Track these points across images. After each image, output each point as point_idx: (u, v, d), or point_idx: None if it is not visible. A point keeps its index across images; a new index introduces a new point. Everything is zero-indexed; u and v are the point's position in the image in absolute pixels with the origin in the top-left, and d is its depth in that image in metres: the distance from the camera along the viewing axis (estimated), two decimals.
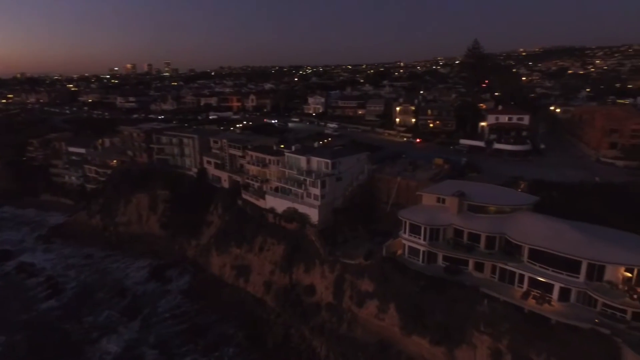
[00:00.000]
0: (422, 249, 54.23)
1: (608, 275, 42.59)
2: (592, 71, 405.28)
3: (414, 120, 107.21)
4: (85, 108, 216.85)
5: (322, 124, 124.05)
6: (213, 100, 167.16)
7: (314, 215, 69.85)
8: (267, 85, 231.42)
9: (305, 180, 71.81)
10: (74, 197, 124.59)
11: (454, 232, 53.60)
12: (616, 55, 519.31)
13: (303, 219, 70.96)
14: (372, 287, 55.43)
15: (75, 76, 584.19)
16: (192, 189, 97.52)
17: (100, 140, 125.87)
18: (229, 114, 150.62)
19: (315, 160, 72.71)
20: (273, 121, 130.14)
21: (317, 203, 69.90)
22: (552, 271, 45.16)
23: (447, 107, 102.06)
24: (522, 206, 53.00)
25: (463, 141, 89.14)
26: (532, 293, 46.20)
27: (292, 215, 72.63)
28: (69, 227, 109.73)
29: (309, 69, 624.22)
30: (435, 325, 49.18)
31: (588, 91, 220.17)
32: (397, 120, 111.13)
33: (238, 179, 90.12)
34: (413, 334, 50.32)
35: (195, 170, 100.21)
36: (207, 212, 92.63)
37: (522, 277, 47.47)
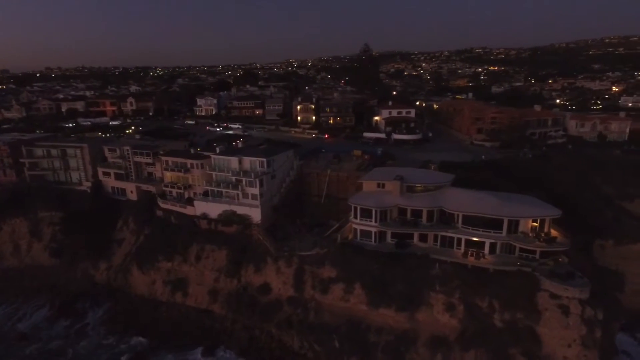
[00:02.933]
0: (373, 230, 60.31)
1: (521, 227, 55.33)
2: (422, 72, 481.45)
3: (314, 117, 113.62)
4: None
5: (224, 125, 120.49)
6: (79, 105, 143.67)
7: (255, 214, 69.71)
8: (133, 88, 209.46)
9: (240, 180, 70.96)
10: None
11: (398, 211, 61.14)
12: (434, 60, 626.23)
13: (243, 220, 70.09)
14: (334, 273, 59.12)
15: None
16: (89, 206, 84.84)
17: None
18: (105, 119, 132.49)
19: (248, 160, 72.31)
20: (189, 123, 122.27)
21: (258, 202, 69.93)
22: (482, 231, 56.11)
23: (345, 105, 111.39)
24: (446, 183, 63.63)
25: (366, 134, 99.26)
26: (469, 251, 56.57)
27: (230, 218, 70.90)
28: None
29: (160, 71, 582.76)
30: (398, 294, 55.77)
31: (429, 89, 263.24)
32: (299, 118, 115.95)
33: (151, 188, 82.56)
34: (380, 306, 55.93)
35: (87, 184, 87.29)
36: (114, 230, 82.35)
37: (459, 240, 57.54)
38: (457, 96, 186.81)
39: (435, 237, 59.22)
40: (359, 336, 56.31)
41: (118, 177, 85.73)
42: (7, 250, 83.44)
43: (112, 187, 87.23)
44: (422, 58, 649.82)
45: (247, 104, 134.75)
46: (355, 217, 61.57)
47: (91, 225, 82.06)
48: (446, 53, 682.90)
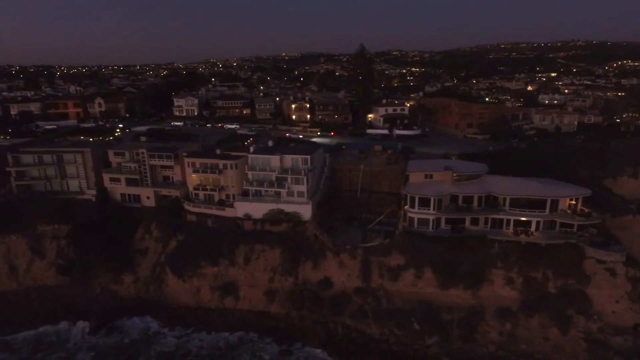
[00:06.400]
0: (431, 217, 64.71)
1: (561, 206, 63.78)
2: (352, 73, 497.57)
3: (309, 116, 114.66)
4: None
5: (219, 125, 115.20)
6: (34, 107, 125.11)
7: (305, 212, 70.04)
8: (72, 88, 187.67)
9: (285, 178, 70.75)
10: None
11: (450, 198, 66.30)
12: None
13: (292, 218, 70.00)
14: (402, 260, 62.42)
15: None
16: (97, 216, 77.09)
17: None
18: (72, 122, 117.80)
19: (289, 157, 72.20)
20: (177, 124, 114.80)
21: (306, 199, 70.35)
22: (529, 212, 63.55)
23: (342, 103, 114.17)
24: (483, 172, 70.36)
25: (370, 131, 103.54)
26: (519, 230, 63.68)
27: (277, 216, 70.28)
28: None
29: (67, 70, 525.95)
30: (464, 274, 60.95)
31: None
32: (294, 117, 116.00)
33: (173, 192, 77.80)
34: (450, 288, 60.58)
35: (92, 192, 79.09)
36: (133, 239, 76.16)
37: (508, 221, 64.37)
38: (412, 94, 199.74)
39: (486, 220, 65.39)
40: (433, 316, 60.36)
41: (130, 182, 79.12)
42: (2, 273, 72.61)
43: (122, 194, 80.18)
44: (344, 59, 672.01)
45: (234, 103, 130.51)
46: (413, 206, 65.38)
47: (105, 237, 74.90)
48: (367, 55, 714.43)
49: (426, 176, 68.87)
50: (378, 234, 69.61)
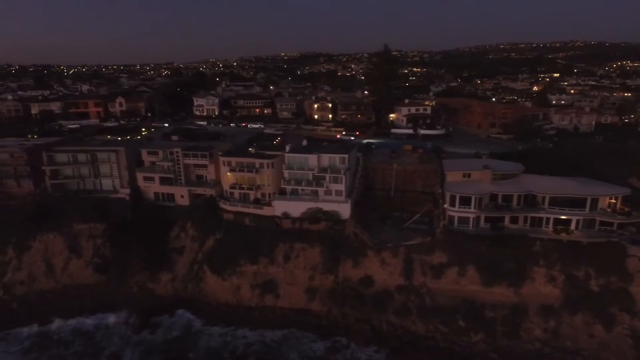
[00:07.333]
0: (472, 216, 65.32)
1: (600, 204, 64.52)
2: (354, 74, 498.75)
3: (330, 116, 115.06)
4: None
5: (243, 125, 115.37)
6: (55, 107, 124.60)
7: (344, 210, 70.44)
8: (85, 87, 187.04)
9: (323, 177, 71.16)
10: None
11: (489, 197, 66.92)
12: (355, 61, 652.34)
13: (331, 216, 70.40)
14: (445, 258, 63.01)
15: None
16: (132, 215, 77.21)
17: None
18: (94, 121, 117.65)
19: (327, 156, 72.62)
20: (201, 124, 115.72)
21: (345, 198, 70.81)
22: (569, 210, 64.26)
23: (364, 103, 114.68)
24: (519, 171, 71.01)
25: (395, 130, 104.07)
26: (559, 228, 64.36)
27: (316, 215, 70.66)
28: None
29: (65, 69, 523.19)
30: (507, 272, 61.58)
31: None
32: (316, 116, 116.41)
33: (208, 191, 78.03)
34: (493, 285, 61.19)
35: (125, 191, 79.19)
36: (168, 238, 76.34)
37: (547, 219, 65.05)
38: (422, 95, 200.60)
39: (525, 218, 66.05)
40: (477, 314, 60.94)
41: (164, 181, 79.25)
42: (40, 271, 72.61)
43: (155, 193, 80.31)
44: (344, 59, 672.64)
45: (255, 103, 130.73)
46: (453, 204, 65.95)
47: (140, 235, 74.99)
48: (366, 55, 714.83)
49: (464, 175, 69.45)
50: (414, 232, 70.17)
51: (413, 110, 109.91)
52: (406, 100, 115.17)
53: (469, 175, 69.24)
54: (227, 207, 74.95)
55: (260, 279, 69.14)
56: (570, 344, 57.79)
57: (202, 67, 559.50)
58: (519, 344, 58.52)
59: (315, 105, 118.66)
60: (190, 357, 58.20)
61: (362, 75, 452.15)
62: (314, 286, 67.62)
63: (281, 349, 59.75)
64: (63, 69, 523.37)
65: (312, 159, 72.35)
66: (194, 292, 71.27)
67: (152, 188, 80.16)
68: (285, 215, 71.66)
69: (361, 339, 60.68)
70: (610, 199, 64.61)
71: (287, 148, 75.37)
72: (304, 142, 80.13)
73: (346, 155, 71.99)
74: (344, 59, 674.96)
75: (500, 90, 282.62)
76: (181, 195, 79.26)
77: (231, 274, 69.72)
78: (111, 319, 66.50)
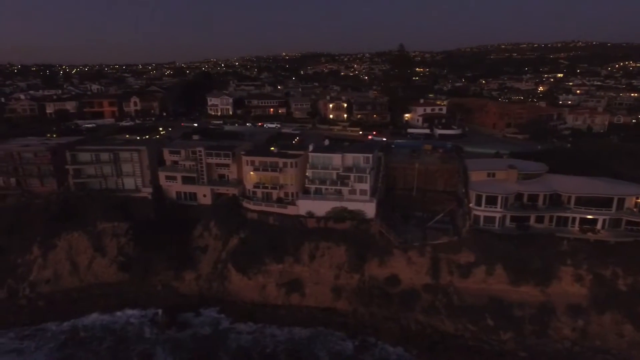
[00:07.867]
0: (498, 215, 65.55)
1: (627, 204, 64.77)
2: (357, 73, 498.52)
3: (345, 115, 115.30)
4: None
5: (259, 124, 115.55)
6: (70, 106, 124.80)
7: (369, 209, 70.63)
8: (94, 87, 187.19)
9: (348, 177, 71.38)
10: None
11: (514, 197, 67.13)
12: (357, 61, 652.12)
13: (356, 215, 70.60)
14: (472, 257, 63.23)
15: None
16: (155, 213, 77.44)
17: None
18: (109, 120, 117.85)
19: (351, 156, 72.85)
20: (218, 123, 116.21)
21: (369, 197, 71.03)
22: (595, 210, 64.50)
23: (380, 103, 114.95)
24: (543, 171, 71.24)
25: (412, 130, 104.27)
26: (585, 228, 64.59)
27: (341, 214, 70.86)
28: None
29: (67, 68, 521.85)
30: (534, 271, 61.80)
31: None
32: (331, 116, 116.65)
33: (231, 190, 78.25)
34: (521, 284, 61.42)
35: (148, 190, 79.40)
36: (191, 237, 76.56)
37: (573, 219, 65.29)
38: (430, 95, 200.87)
39: (551, 217, 66.30)
40: (505, 312, 61.17)
41: (186, 180, 79.46)
42: (65, 269, 72.73)
43: (177, 192, 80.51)
44: (346, 59, 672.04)
45: (270, 102, 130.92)
46: (479, 204, 66.17)
47: (164, 234, 75.23)
48: (367, 55, 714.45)
49: (488, 175, 69.70)
50: (437, 232, 70.40)
51: (428, 110, 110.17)
52: (422, 100, 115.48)
53: (494, 175, 69.52)
54: (251, 206, 75.16)
55: (285, 278, 69.33)
56: (600, 343, 57.97)
57: (205, 67, 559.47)
58: (548, 342, 58.72)
59: (331, 105, 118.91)
60: (221, 355, 58.29)
61: (366, 75, 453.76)
62: (340, 285, 67.83)
63: (310, 347, 59.86)
64: (65, 69, 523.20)
65: (336, 158, 72.56)
66: (219, 290, 71.45)
67: (174, 187, 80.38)
68: (310, 215, 71.86)
69: (389, 337, 60.87)
70: (637, 198, 64.84)
71: (311, 147, 75.53)
72: (326, 142, 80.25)
73: (370, 155, 72.22)
74: (346, 59, 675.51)
75: (505, 90, 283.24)
76: (204, 194, 79.47)
77: (256, 273, 69.89)
78: (138, 316, 66.55)
